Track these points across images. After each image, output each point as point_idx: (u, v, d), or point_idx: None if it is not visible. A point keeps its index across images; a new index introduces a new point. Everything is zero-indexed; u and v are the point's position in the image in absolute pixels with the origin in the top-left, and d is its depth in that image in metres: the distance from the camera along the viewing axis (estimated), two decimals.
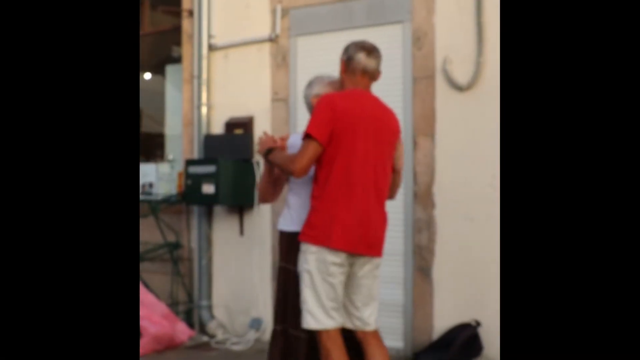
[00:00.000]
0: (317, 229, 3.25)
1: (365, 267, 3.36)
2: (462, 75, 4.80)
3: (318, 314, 3.25)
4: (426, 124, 4.88)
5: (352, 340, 3.37)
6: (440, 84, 4.90)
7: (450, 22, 4.86)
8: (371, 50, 3.39)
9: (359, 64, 3.35)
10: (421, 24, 4.94)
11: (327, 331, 3.24)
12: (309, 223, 3.30)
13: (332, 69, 3.85)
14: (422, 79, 4.94)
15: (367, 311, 3.39)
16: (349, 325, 3.37)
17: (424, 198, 4.92)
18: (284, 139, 3.48)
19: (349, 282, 3.36)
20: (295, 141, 3.47)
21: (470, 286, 4.76)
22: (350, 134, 3.27)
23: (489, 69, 4.72)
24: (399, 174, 3.55)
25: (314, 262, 3.25)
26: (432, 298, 4.88)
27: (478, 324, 4.67)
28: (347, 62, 3.38)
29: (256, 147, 5.12)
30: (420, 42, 4.95)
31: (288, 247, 3.47)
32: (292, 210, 3.50)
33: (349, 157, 3.27)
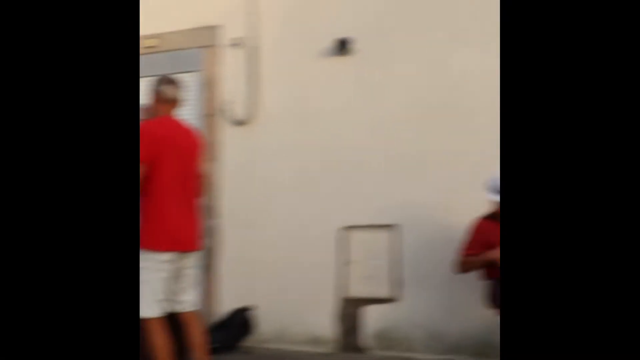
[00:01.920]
0: (148, 235, 3.52)
1: (190, 259, 3.76)
2: (240, 113, 5.64)
3: (151, 304, 3.53)
4: (212, 151, 5.62)
5: (174, 323, 3.70)
6: (223, 120, 5.70)
7: (231, 72, 5.72)
8: (174, 82, 3.87)
9: (165, 94, 3.80)
10: (209, 73, 5.77)
11: (152, 317, 3.54)
12: (142, 230, 3.49)
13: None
14: (210, 116, 5.73)
15: (190, 295, 3.77)
16: (175, 308, 3.70)
17: (211, 209, 5.52)
18: None
19: (175, 273, 3.67)
20: None
21: (246, 279, 5.47)
22: (165, 155, 3.60)
23: (261, 109, 5.59)
24: (202, 177, 3.98)
25: (148, 261, 3.51)
26: (216, 289, 5.54)
27: (251, 308, 5.36)
28: (158, 92, 3.81)
29: None
30: (209, 87, 5.77)
31: None
32: None
33: (166, 174, 3.60)
